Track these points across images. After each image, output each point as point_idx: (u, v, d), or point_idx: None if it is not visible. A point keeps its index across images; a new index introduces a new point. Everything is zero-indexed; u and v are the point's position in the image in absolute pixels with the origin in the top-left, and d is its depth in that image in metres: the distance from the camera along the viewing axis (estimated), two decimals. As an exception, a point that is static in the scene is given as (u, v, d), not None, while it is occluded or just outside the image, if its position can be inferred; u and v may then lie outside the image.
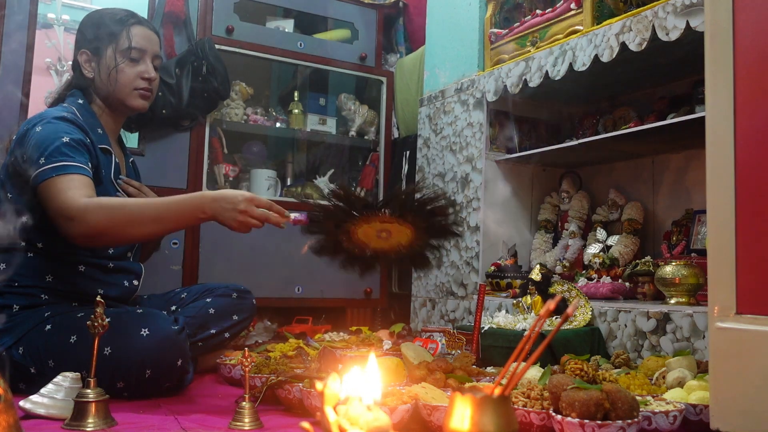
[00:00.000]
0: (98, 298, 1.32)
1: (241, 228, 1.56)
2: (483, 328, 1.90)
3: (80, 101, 1.82)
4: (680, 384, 1.42)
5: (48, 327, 1.61)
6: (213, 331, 1.94)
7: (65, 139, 1.63)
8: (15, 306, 1.65)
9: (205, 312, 1.94)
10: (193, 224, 1.57)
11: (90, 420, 1.27)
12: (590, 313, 1.94)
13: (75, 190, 1.55)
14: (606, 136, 2.16)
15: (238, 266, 2.71)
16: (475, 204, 2.51)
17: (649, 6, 1.89)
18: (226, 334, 1.98)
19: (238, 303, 2.02)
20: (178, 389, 1.65)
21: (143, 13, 2.83)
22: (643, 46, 1.89)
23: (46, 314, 1.64)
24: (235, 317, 1.99)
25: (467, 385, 1.37)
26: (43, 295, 1.68)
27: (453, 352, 1.87)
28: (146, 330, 1.56)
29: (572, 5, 2.16)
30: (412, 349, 1.64)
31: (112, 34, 1.84)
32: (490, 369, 1.73)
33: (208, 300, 1.97)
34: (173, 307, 1.98)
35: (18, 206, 1.68)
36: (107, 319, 1.32)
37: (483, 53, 2.58)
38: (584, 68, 2.07)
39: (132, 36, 1.85)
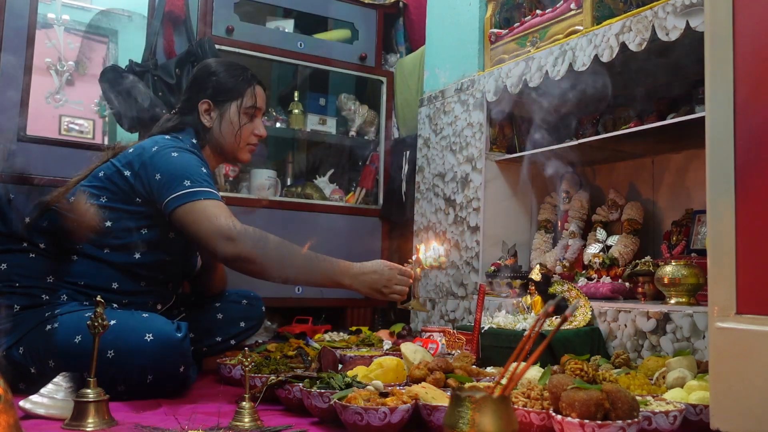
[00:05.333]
0: (98, 298, 1.32)
1: (394, 297, 1.73)
2: (483, 328, 1.90)
3: (194, 140, 1.85)
4: (680, 384, 1.42)
5: (48, 327, 1.61)
6: (218, 339, 1.96)
7: (204, 170, 1.71)
8: (16, 306, 1.65)
9: (213, 317, 1.95)
10: (332, 287, 1.74)
11: (90, 420, 1.27)
12: (590, 313, 1.93)
13: (232, 216, 1.65)
14: (606, 136, 2.16)
15: (238, 266, 2.71)
16: (475, 204, 2.51)
17: (649, 6, 1.89)
18: (232, 341, 1.99)
19: (247, 310, 2.02)
20: (179, 392, 1.65)
21: (143, 12, 2.84)
22: (643, 46, 1.89)
23: (46, 314, 1.64)
24: (242, 324, 2.00)
25: (467, 385, 1.37)
26: (43, 296, 1.68)
27: (453, 352, 1.87)
28: (150, 335, 1.56)
29: (572, 5, 2.16)
30: (412, 349, 1.64)
31: (238, 91, 1.89)
32: (490, 369, 1.73)
33: (216, 305, 1.98)
34: (180, 309, 1.98)
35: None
36: (113, 321, 1.32)
37: (483, 53, 2.58)
38: (584, 68, 2.07)
39: (256, 95, 1.91)
